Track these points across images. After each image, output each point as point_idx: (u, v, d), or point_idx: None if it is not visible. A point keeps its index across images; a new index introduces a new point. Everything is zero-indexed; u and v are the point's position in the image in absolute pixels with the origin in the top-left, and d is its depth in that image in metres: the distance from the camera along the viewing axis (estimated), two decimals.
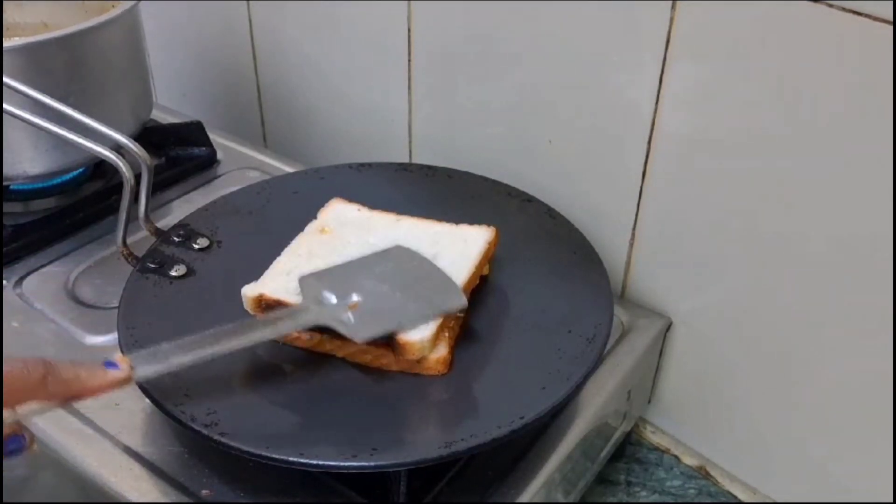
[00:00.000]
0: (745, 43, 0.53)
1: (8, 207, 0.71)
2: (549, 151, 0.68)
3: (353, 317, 0.49)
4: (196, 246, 0.61)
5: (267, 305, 0.53)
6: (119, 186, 0.74)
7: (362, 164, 0.71)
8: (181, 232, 0.62)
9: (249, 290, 0.53)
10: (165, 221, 0.69)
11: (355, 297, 0.50)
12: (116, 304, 0.56)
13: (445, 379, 0.52)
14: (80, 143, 0.57)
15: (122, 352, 0.52)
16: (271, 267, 0.56)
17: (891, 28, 0.46)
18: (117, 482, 0.50)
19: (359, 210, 0.62)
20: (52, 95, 0.60)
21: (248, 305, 0.53)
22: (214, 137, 0.82)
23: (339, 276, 0.52)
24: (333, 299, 0.50)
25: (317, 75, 0.83)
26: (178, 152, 0.79)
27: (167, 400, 0.48)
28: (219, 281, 0.57)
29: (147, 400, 0.54)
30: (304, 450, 0.45)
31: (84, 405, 0.54)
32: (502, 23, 0.65)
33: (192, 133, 0.81)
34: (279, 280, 0.54)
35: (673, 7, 0.55)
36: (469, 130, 0.73)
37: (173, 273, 0.59)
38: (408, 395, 0.51)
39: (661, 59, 0.57)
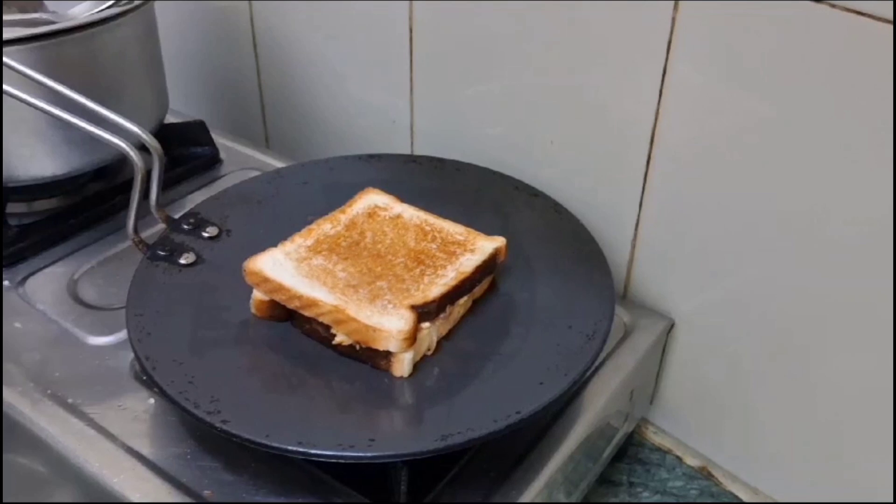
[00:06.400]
0: (745, 43, 0.53)
1: (11, 208, 0.71)
2: (551, 152, 0.68)
3: None
4: (206, 234, 0.62)
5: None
6: (122, 187, 0.75)
7: (371, 156, 0.71)
8: (191, 220, 0.63)
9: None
10: None
11: None
12: (119, 305, 0.56)
13: (444, 373, 0.52)
14: (92, 132, 0.57)
15: (131, 342, 0.52)
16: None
17: (891, 28, 0.46)
18: (120, 482, 0.50)
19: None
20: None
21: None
22: (216, 138, 0.82)
23: None
24: None
25: (318, 75, 0.83)
26: (181, 151, 0.79)
27: (171, 387, 0.49)
28: (227, 269, 0.58)
29: (151, 400, 0.55)
30: (303, 439, 0.45)
31: (87, 406, 0.55)
32: (503, 24, 0.65)
33: (195, 132, 0.81)
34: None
35: (675, 8, 0.55)
36: (470, 130, 0.73)
37: (182, 261, 0.59)
38: (406, 388, 0.51)
39: (663, 59, 0.57)
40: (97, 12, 0.68)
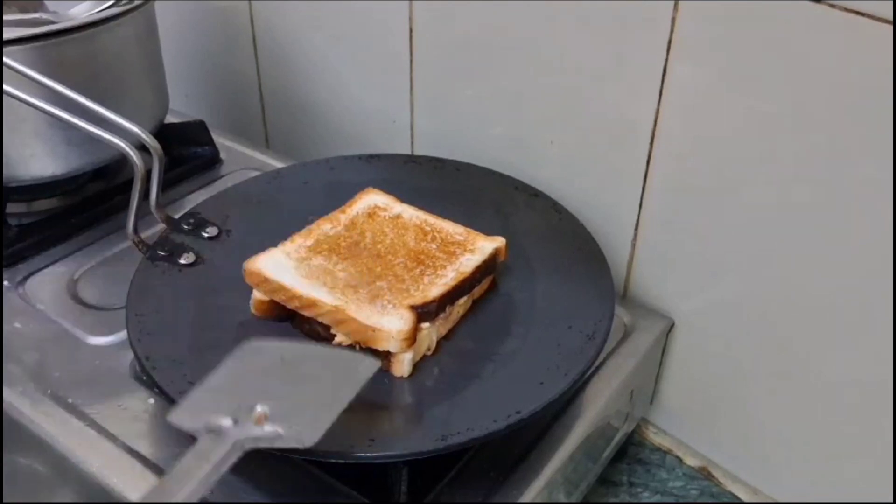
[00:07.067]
0: (745, 43, 0.53)
1: (11, 208, 0.71)
2: (551, 152, 0.68)
3: (278, 427, 0.41)
4: (206, 234, 0.62)
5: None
6: (122, 187, 0.75)
7: (371, 156, 0.71)
8: (191, 220, 0.63)
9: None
10: None
11: (259, 409, 0.41)
12: (119, 305, 0.56)
13: (444, 373, 0.52)
14: (92, 132, 0.57)
15: (131, 342, 0.52)
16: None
17: (891, 28, 0.46)
18: (120, 482, 0.50)
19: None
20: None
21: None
22: (216, 138, 0.82)
23: (216, 396, 0.43)
24: (228, 421, 0.41)
25: (318, 76, 0.83)
26: (181, 151, 0.79)
27: (171, 387, 0.49)
28: (227, 270, 0.58)
29: (151, 400, 0.55)
30: None
31: (87, 406, 0.55)
32: (503, 24, 0.65)
33: (195, 132, 0.81)
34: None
35: (675, 8, 0.55)
36: (470, 130, 0.73)
37: (182, 261, 0.59)
38: (406, 388, 0.51)
39: (663, 59, 0.57)
40: (97, 12, 0.68)
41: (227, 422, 0.41)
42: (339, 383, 0.45)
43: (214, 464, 0.39)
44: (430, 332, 0.53)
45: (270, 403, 0.42)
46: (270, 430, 0.41)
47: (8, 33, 0.60)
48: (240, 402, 0.42)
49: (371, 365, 0.46)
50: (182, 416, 0.42)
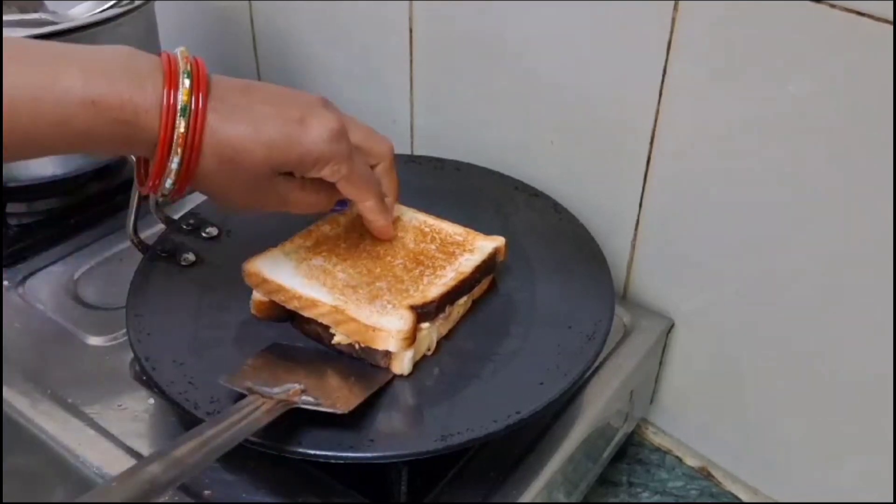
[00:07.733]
0: (745, 43, 0.53)
1: (11, 208, 0.71)
2: (551, 152, 0.68)
3: (313, 398, 0.47)
4: (206, 235, 0.62)
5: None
6: (122, 187, 0.74)
7: None
8: (191, 220, 0.63)
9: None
10: None
11: (296, 385, 0.47)
12: (119, 305, 0.56)
13: (444, 373, 0.52)
14: None
15: (130, 342, 0.52)
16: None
17: (891, 28, 0.46)
18: None
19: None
20: None
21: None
22: None
23: (255, 372, 0.49)
24: (270, 388, 0.46)
25: (318, 75, 0.83)
26: None
27: (171, 387, 0.49)
28: (227, 270, 0.58)
29: (150, 400, 0.55)
30: (303, 440, 0.45)
31: (87, 406, 0.55)
32: (503, 24, 0.65)
33: None
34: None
35: (675, 8, 0.55)
36: (470, 130, 0.73)
37: (182, 261, 0.59)
38: (406, 388, 0.51)
39: (663, 59, 0.57)
40: (97, 12, 0.68)
41: (269, 388, 0.46)
42: (359, 381, 0.50)
43: (264, 411, 0.44)
44: (430, 332, 0.53)
45: (303, 383, 0.48)
46: (309, 398, 0.46)
47: (8, 33, 0.60)
48: (276, 380, 0.48)
49: (386, 374, 0.51)
50: (230, 381, 0.47)
